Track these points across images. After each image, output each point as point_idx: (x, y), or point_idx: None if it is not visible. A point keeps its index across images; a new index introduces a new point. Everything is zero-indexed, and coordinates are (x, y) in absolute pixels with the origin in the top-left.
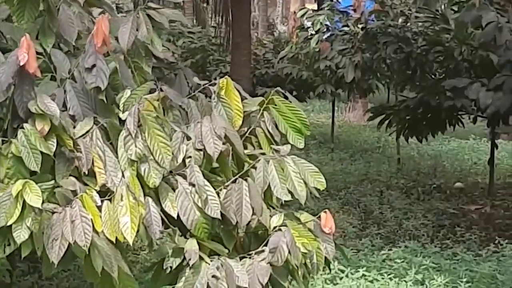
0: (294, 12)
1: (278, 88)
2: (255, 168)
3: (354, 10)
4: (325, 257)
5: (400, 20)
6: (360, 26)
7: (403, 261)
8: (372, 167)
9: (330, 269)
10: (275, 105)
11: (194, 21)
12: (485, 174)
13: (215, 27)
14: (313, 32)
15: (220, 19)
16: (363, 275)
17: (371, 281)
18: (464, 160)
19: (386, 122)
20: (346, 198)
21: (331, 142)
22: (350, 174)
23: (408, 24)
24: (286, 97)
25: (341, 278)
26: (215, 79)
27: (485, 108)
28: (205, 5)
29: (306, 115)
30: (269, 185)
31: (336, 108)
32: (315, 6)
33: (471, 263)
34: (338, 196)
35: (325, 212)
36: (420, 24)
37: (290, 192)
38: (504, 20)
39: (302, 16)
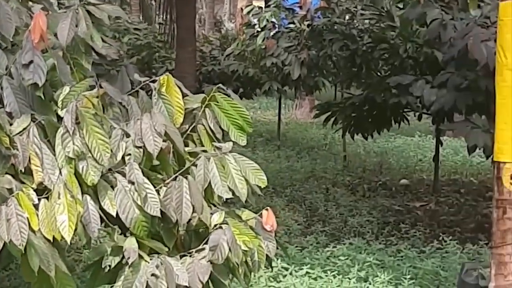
0: (242, 9)
1: (220, 85)
2: (196, 165)
3: (300, 7)
4: (267, 255)
5: (346, 17)
6: (306, 23)
7: (347, 258)
8: (318, 164)
9: (271, 267)
10: (217, 102)
11: (141, 17)
12: (430, 171)
13: (161, 23)
14: (259, 29)
15: (165, 16)
16: (307, 272)
17: (315, 279)
18: (409, 157)
19: (332, 119)
20: (292, 195)
21: (277, 140)
22: (296, 171)
23: (354, 21)
24: (228, 95)
25: (284, 276)
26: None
27: (429, 105)
28: (151, 1)
29: (253, 112)
30: (209, 183)
31: (283, 105)
32: (262, 3)
33: (415, 260)
34: (284, 193)
35: (267, 209)
36: (366, 21)
37: (231, 189)
38: (449, 17)
39: (249, 13)
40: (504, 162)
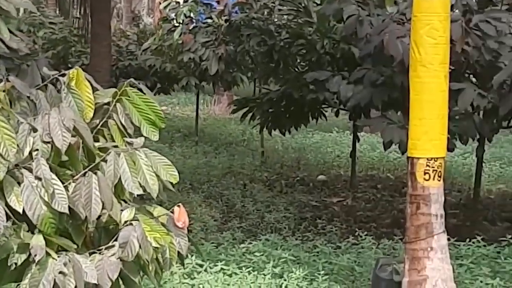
0: (160, 3)
1: (132, 80)
2: (106, 161)
3: (218, 2)
4: (179, 252)
5: (264, 12)
6: (223, 18)
7: (262, 254)
8: (236, 160)
9: (183, 264)
10: (129, 97)
11: (57, 11)
12: (347, 166)
13: (78, 18)
14: (177, 24)
15: (81, 10)
16: (222, 269)
17: (230, 275)
18: (327, 153)
19: (250, 115)
20: (209, 191)
21: (195, 135)
22: (214, 167)
23: (272, 16)
24: (140, 89)
25: (199, 273)
26: None
27: (346, 101)
28: None
29: (171, 108)
30: (120, 179)
31: (201, 101)
32: None
33: (331, 256)
34: (201, 189)
35: (179, 206)
36: (283, 17)
37: (142, 185)
38: (365, 13)
39: (166, 7)
40: (418, 158)
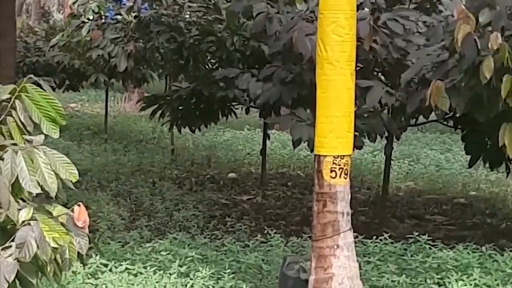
0: None
1: (31, 76)
2: (3, 159)
3: None
4: (79, 252)
5: (173, 9)
6: (133, 14)
7: (169, 253)
8: (146, 158)
9: (84, 264)
10: (28, 93)
11: None
12: (258, 164)
13: None
14: (86, 20)
15: None
16: (127, 268)
17: (135, 275)
18: (238, 151)
19: (159, 112)
20: (117, 189)
21: (105, 133)
22: (123, 165)
23: (182, 13)
24: (41, 86)
25: (103, 272)
26: None
27: (255, 99)
28: None
29: (81, 105)
30: (17, 177)
31: (112, 98)
32: None
33: (238, 254)
34: (109, 187)
35: (79, 205)
36: (193, 13)
37: (40, 184)
38: (274, 10)
39: (75, 3)
40: (324, 156)
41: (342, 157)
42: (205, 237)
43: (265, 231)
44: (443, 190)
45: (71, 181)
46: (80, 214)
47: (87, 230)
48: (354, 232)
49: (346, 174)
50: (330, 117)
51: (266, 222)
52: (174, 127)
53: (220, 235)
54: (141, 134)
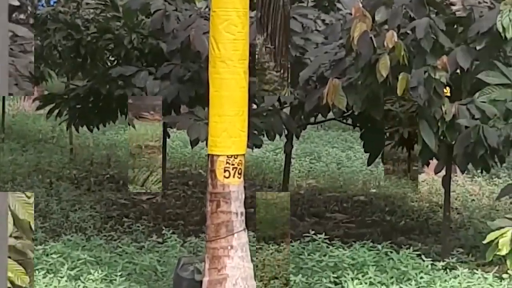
0: None
1: None
2: None
3: None
4: None
5: (70, 6)
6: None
7: (60, 256)
8: (44, 157)
9: None
10: None
11: None
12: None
13: None
14: None
15: None
16: None
17: None
18: None
19: (56, 111)
20: (13, 190)
21: (2, 132)
22: (20, 165)
23: (79, 10)
24: None
25: None
26: None
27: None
28: None
29: None
30: None
31: (11, 96)
32: None
33: (133, 255)
34: (4, 189)
35: None
36: (91, 11)
37: None
38: (172, 8)
39: None
40: (218, 155)
41: (235, 156)
42: (101, 239)
43: (163, 232)
44: (343, 188)
45: None
46: None
47: None
48: (251, 232)
49: (240, 174)
50: (223, 116)
51: (165, 222)
52: (72, 126)
53: (116, 236)
54: (40, 133)
